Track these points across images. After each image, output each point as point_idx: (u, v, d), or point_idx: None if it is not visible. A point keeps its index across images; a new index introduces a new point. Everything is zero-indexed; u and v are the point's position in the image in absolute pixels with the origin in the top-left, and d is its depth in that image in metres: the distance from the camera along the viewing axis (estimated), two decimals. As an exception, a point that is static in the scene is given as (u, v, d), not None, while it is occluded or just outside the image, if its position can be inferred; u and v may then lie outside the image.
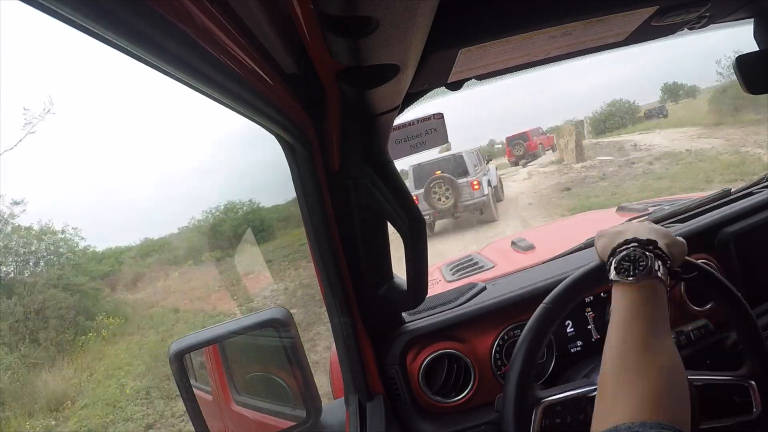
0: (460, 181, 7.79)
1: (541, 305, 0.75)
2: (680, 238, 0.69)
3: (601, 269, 0.70)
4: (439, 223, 8.35)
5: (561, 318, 0.75)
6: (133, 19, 0.28)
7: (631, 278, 0.59)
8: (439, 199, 7.81)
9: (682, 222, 1.10)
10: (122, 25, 0.28)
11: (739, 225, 1.01)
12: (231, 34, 0.40)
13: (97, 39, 0.30)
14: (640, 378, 0.50)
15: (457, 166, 8.07)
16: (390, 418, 0.87)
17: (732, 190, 1.21)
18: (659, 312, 0.57)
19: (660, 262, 0.60)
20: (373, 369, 0.88)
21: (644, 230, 0.67)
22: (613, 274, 0.61)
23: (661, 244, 0.63)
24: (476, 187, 7.90)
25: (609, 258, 0.64)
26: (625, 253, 0.62)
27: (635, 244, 0.63)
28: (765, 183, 1.19)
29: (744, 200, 1.10)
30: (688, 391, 0.52)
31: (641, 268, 0.59)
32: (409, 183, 8.06)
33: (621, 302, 0.59)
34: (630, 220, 1.30)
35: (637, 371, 0.51)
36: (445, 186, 7.76)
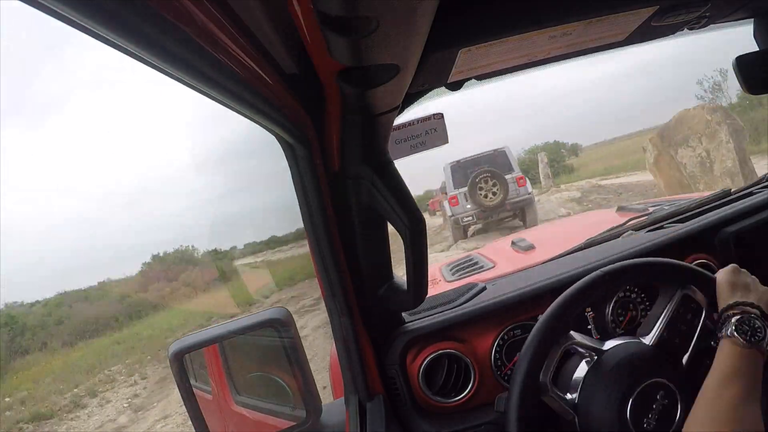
0: (506, 176, 7.00)
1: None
2: None
3: (709, 282, 0.77)
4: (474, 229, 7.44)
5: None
6: (133, 19, 0.28)
7: (745, 342, 0.65)
8: (486, 196, 6.85)
9: (682, 222, 1.10)
10: (122, 25, 0.28)
11: (739, 225, 1.01)
12: (231, 33, 0.40)
13: (97, 39, 0.30)
14: None
15: (501, 162, 7.23)
16: (390, 418, 0.87)
17: (732, 190, 1.21)
18: (757, 380, 0.63)
19: None
20: (373, 369, 0.88)
21: (763, 294, 0.72)
22: (731, 330, 0.66)
23: None
24: (522, 183, 7.06)
25: (730, 310, 0.69)
26: (748, 316, 0.67)
27: (756, 311, 0.68)
28: (765, 183, 1.19)
29: (744, 200, 1.10)
30: None
31: (758, 337, 0.65)
32: (447, 183, 7.36)
33: (728, 360, 0.64)
34: (630, 220, 1.30)
35: (725, 428, 0.58)
36: (493, 180, 6.85)
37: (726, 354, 0.65)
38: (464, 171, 7.19)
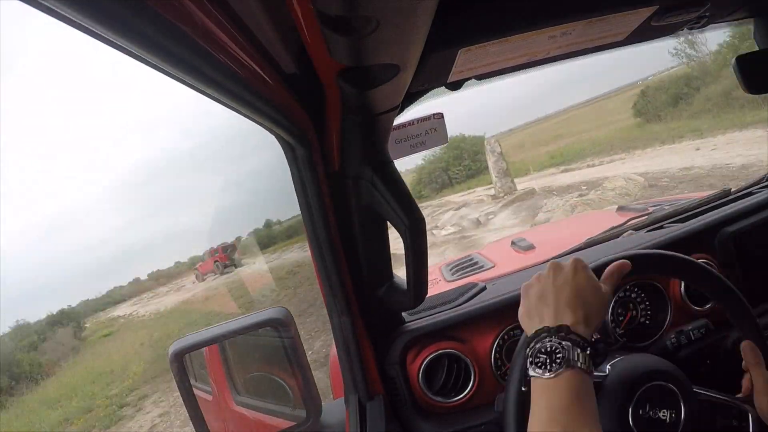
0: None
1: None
2: (600, 288, 0.63)
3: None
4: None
5: None
6: (133, 19, 0.28)
7: (548, 374, 0.55)
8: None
9: (682, 222, 1.10)
10: (122, 25, 0.28)
11: (739, 225, 1.01)
12: (231, 33, 0.40)
13: (97, 39, 0.30)
14: None
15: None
16: (390, 418, 0.87)
17: (732, 190, 1.21)
18: (578, 407, 0.53)
19: (578, 350, 0.55)
20: (373, 369, 0.88)
21: (567, 302, 0.60)
22: (529, 370, 0.57)
23: (573, 324, 0.58)
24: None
25: (526, 347, 0.60)
26: (539, 344, 0.57)
27: (545, 334, 0.58)
28: (765, 183, 1.19)
29: (744, 200, 1.10)
30: None
31: (558, 361, 0.55)
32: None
33: (538, 399, 0.55)
34: (630, 220, 1.30)
35: None
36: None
37: (536, 394, 0.55)
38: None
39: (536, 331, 0.59)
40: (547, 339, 0.57)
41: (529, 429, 0.54)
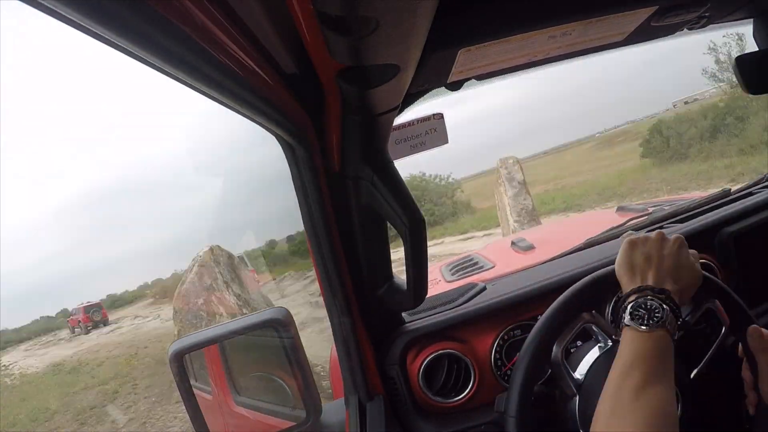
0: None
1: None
2: (699, 272, 0.70)
3: (608, 278, 0.72)
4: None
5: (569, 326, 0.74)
6: (133, 18, 0.28)
7: (644, 327, 0.61)
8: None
9: (682, 222, 1.10)
10: (122, 25, 0.28)
11: (739, 225, 1.01)
12: (231, 33, 0.40)
13: (97, 39, 0.30)
14: (627, 426, 0.53)
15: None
16: (390, 418, 0.87)
17: (732, 190, 1.21)
18: (663, 363, 0.59)
19: (672, 315, 0.62)
20: (373, 369, 0.88)
21: (671, 273, 0.67)
22: (627, 319, 0.63)
23: (674, 293, 0.64)
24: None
25: (625, 299, 0.65)
26: (642, 299, 0.63)
27: (648, 292, 0.64)
28: (765, 183, 1.19)
29: (744, 200, 1.10)
30: None
31: (656, 319, 0.61)
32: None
33: (628, 348, 0.61)
34: (630, 220, 1.30)
35: (625, 419, 0.54)
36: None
37: (626, 342, 0.62)
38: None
39: (640, 287, 0.65)
40: (650, 297, 0.63)
41: (611, 372, 0.60)
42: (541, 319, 0.74)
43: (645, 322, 0.61)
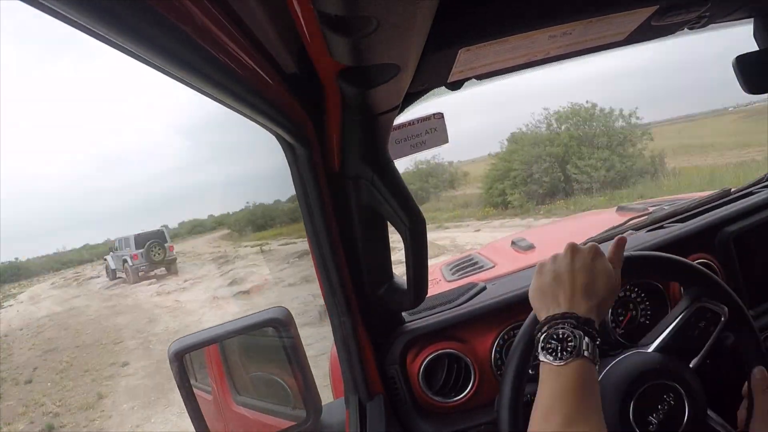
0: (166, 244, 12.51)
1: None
2: (616, 281, 0.64)
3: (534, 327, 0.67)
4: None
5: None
6: (133, 18, 0.28)
7: (557, 361, 0.56)
8: (155, 255, 12.37)
9: (682, 222, 1.10)
10: (122, 25, 0.28)
11: (739, 225, 1.01)
12: (231, 33, 0.40)
13: (97, 39, 0.30)
14: None
15: (162, 235, 12.76)
16: (390, 418, 0.87)
17: (732, 190, 1.21)
18: (585, 397, 0.54)
19: (589, 340, 0.57)
20: (373, 369, 0.88)
21: (582, 290, 0.61)
22: (541, 354, 0.58)
23: (586, 313, 0.59)
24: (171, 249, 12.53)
25: (538, 331, 0.61)
26: (552, 330, 0.58)
27: (559, 320, 0.59)
28: (765, 183, 1.19)
29: (744, 200, 1.10)
30: None
31: (569, 349, 0.56)
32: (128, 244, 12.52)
33: (546, 385, 0.56)
34: (630, 220, 1.30)
35: None
36: (159, 247, 12.30)
37: (543, 379, 0.57)
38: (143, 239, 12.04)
39: (550, 317, 0.60)
40: (560, 326, 0.58)
41: (533, 411, 0.56)
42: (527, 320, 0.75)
43: (558, 355, 0.56)
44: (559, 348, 0.57)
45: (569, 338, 0.57)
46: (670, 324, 0.76)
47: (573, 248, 0.66)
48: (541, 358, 0.58)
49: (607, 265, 0.64)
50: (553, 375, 0.56)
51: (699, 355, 0.74)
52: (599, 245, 0.66)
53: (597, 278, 0.62)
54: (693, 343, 0.75)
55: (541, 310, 0.63)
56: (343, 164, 0.71)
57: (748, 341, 0.74)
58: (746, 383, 0.72)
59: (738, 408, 0.73)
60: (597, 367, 0.57)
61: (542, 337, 0.59)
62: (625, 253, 0.70)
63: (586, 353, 0.56)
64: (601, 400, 0.70)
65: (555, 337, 0.57)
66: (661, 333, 0.77)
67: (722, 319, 0.74)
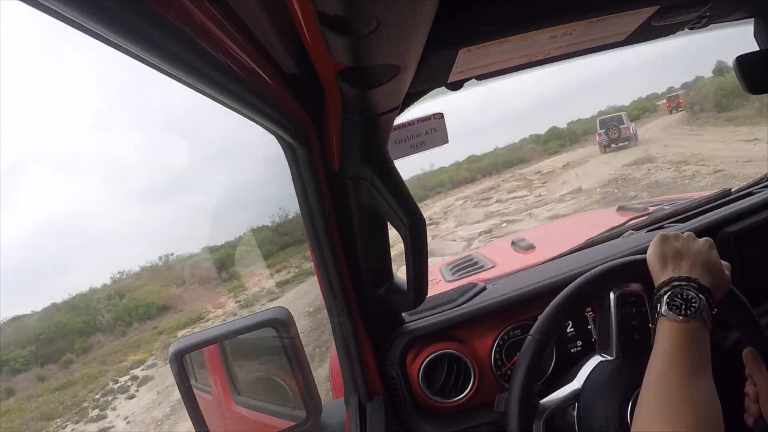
0: (621, 126, 15.31)
1: (579, 279, 0.76)
2: (727, 276, 0.69)
3: (639, 266, 0.72)
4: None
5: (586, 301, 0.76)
6: (132, 18, 0.28)
7: (681, 317, 0.60)
8: (611, 134, 15.34)
9: (682, 222, 1.10)
10: (122, 25, 0.28)
11: (739, 225, 1.01)
12: (231, 33, 0.40)
13: (97, 39, 0.30)
14: (676, 418, 0.53)
15: (620, 119, 15.59)
16: (390, 418, 0.87)
17: (732, 190, 1.21)
18: (702, 354, 0.59)
19: (708, 306, 0.62)
20: (373, 369, 0.88)
21: (703, 268, 0.66)
22: (664, 309, 0.62)
23: (715, 291, 0.64)
24: (627, 129, 15.39)
25: (661, 288, 0.65)
26: (679, 289, 0.63)
27: (685, 283, 0.63)
28: (765, 183, 1.19)
29: (744, 200, 1.10)
30: (722, 428, 0.54)
31: (693, 309, 0.61)
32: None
33: (667, 339, 0.60)
34: (630, 220, 1.30)
35: (674, 411, 0.54)
36: (614, 128, 15.32)
37: (664, 333, 0.61)
38: (603, 123, 15.73)
39: (675, 277, 0.65)
40: (687, 288, 0.63)
41: (650, 363, 0.60)
42: (569, 287, 0.75)
43: (683, 312, 0.61)
44: (684, 306, 0.61)
45: (693, 300, 0.61)
46: (611, 329, 0.77)
47: (691, 235, 0.71)
48: (665, 312, 0.62)
49: (719, 259, 0.69)
50: (676, 330, 0.60)
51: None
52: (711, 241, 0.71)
53: (712, 265, 0.67)
54: (642, 333, 0.76)
55: (663, 272, 0.67)
56: (343, 164, 0.71)
57: (751, 337, 0.74)
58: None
59: (735, 412, 0.73)
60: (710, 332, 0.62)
61: (667, 294, 0.63)
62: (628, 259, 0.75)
63: (706, 317, 0.60)
64: (599, 403, 0.70)
65: (681, 296, 0.62)
66: (609, 339, 0.77)
67: (642, 294, 0.77)
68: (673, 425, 0.52)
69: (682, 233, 0.71)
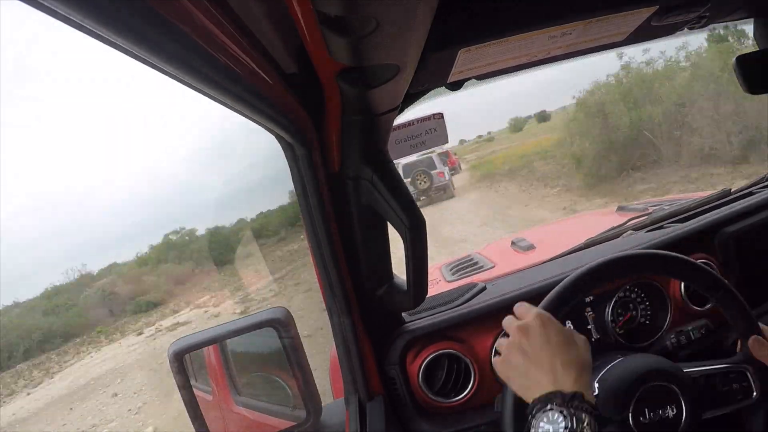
0: (432, 171, 11.74)
1: None
2: (575, 337, 0.61)
3: (610, 268, 0.72)
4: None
5: None
6: (132, 19, 0.28)
7: None
8: (420, 183, 11.49)
9: (682, 222, 1.10)
10: (122, 25, 0.28)
11: (739, 225, 1.01)
12: (230, 33, 0.40)
13: (97, 39, 0.30)
14: None
15: (430, 163, 11.79)
16: (390, 419, 0.87)
17: (732, 190, 1.21)
18: None
19: (585, 415, 0.53)
20: (373, 369, 0.88)
21: (555, 362, 0.57)
22: None
23: (586, 392, 0.55)
24: (442, 175, 11.91)
25: (528, 418, 0.56)
26: (544, 415, 0.54)
27: (558, 402, 0.54)
28: (765, 183, 1.19)
29: (744, 200, 1.10)
30: None
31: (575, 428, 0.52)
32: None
33: None
34: (630, 220, 1.30)
35: None
36: (424, 175, 11.58)
37: None
38: (409, 168, 11.30)
39: (533, 402, 0.56)
40: (550, 411, 0.54)
41: None
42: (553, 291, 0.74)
43: None
44: None
45: (562, 422, 0.52)
46: (715, 366, 0.74)
47: (520, 328, 0.61)
48: None
49: (564, 330, 0.61)
50: None
51: (712, 412, 0.72)
52: (544, 313, 0.63)
53: (564, 348, 0.58)
54: (716, 394, 0.73)
55: (526, 394, 0.59)
56: (343, 164, 0.71)
57: (738, 319, 0.74)
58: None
59: (734, 412, 0.73)
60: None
61: (534, 425, 0.54)
62: (629, 252, 0.73)
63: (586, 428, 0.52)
64: (601, 401, 0.70)
65: (547, 421, 0.53)
66: (704, 366, 0.75)
67: (753, 395, 0.72)
68: None
69: (518, 329, 0.61)
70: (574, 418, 0.52)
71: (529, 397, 0.58)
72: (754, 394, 0.72)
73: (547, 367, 0.57)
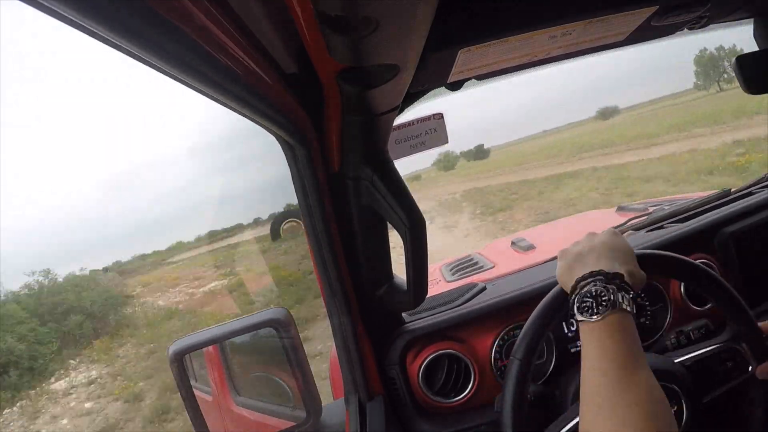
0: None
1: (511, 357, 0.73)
2: (630, 249, 0.66)
3: (561, 299, 0.69)
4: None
5: (537, 351, 0.73)
6: (132, 19, 0.28)
7: (595, 317, 0.56)
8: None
9: (682, 222, 1.10)
10: (122, 25, 0.28)
11: (739, 225, 1.02)
12: (230, 33, 0.40)
13: (96, 39, 0.30)
14: (621, 420, 0.49)
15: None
16: (390, 418, 0.87)
17: (732, 190, 1.21)
18: (629, 345, 0.55)
19: (623, 293, 0.57)
20: (373, 369, 0.88)
21: (607, 255, 0.62)
22: (577, 315, 0.58)
23: (626, 275, 0.60)
24: None
25: (571, 294, 0.61)
26: (586, 289, 0.59)
27: (589, 279, 0.60)
28: (765, 183, 1.19)
29: (744, 200, 1.10)
30: (672, 417, 0.51)
31: (604, 303, 0.56)
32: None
33: (589, 344, 0.56)
34: (630, 220, 1.30)
35: (617, 413, 0.50)
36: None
37: (585, 338, 0.56)
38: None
39: (581, 278, 0.61)
40: (592, 284, 0.59)
41: (582, 374, 0.55)
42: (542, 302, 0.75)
43: (595, 310, 0.56)
44: (594, 304, 0.57)
45: (602, 293, 0.57)
46: (702, 348, 0.75)
47: (590, 233, 0.69)
48: (579, 318, 0.58)
49: (627, 243, 0.66)
50: (595, 330, 0.56)
51: (711, 394, 0.73)
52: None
53: (620, 249, 0.64)
54: (712, 376, 0.74)
55: (569, 279, 0.63)
56: (343, 164, 0.71)
57: (723, 299, 0.74)
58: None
59: (735, 412, 0.73)
60: (634, 317, 0.58)
61: (575, 298, 0.59)
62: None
63: (623, 305, 0.56)
64: None
65: (589, 294, 0.58)
66: (688, 348, 0.76)
67: (749, 370, 0.73)
68: (622, 428, 0.48)
69: (588, 233, 0.69)
70: (615, 293, 0.57)
71: (567, 287, 0.63)
72: (750, 368, 0.73)
73: (595, 257, 0.63)
